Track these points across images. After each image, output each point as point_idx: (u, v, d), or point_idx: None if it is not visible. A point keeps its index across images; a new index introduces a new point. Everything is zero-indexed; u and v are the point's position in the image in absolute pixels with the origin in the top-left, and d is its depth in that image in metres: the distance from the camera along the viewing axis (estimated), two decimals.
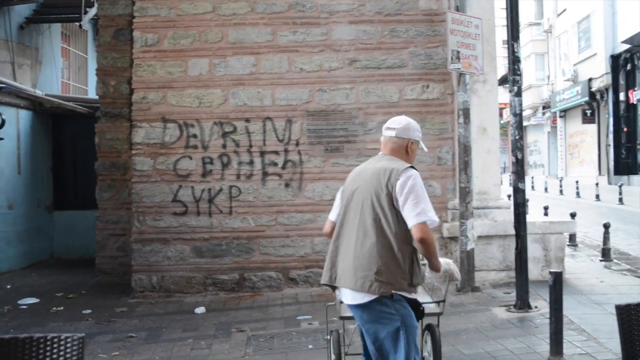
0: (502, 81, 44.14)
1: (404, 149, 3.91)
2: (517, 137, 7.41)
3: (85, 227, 11.78)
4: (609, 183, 27.68)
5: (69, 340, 2.70)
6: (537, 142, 43.67)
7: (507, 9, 7.38)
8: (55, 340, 2.70)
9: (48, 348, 2.68)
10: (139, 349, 6.75)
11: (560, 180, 28.67)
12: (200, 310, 8.28)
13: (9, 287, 10.20)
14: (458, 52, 8.10)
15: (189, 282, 9.10)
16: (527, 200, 14.86)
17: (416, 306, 3.88)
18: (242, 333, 7.18)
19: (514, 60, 7.32)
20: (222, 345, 6.81)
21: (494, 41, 9.17)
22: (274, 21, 9.17)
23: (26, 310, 8.64)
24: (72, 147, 13.10)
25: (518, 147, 7.41)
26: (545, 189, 28.41)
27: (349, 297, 3.69)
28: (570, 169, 35.61)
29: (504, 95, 45.48)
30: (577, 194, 24.08)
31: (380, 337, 3.66)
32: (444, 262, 3.95)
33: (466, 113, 8.38)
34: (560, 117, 36.92)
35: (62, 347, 2.68)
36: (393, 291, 3.61)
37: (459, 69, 8.14)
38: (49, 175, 13.12)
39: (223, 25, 9.17)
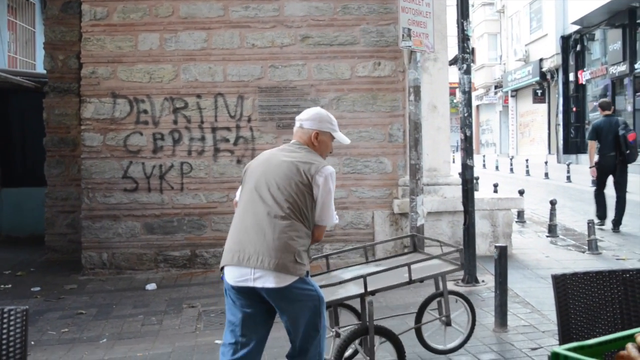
0: (455, 61, 44.56)
1: (310, 140, 4.00)
2: (466, 115, 7.53)
3: (34, 204, 11.57)
4: (558, 162, 28.27)
5: (12, 313, 2.68)
6: (489, 121, 44.28)
7: None
8: None
9: None
10: (89, 326, 6.73)
11: (511, 159, 29.15)
12: (151, 286, 8.26)
13: None
14: (409, 29, 8.13)
15: (140, 258, 9.05)
16: (478, 178, 15.22)
17: None
18: (194, 309, 7.20)
19: (464, 39, 7.42)
20: (173, 320, 6.83)
21: (445, 19, 9.26)
22: None
23: None
24: (20, 122, 12.80)
25: (467, 125, 7.53)
26: (496, 167, 28.85)
27: (269, 280, 3.64)
28: (521, 148, 36.24)
29: (457, 75, 46.03)
30: (527, 172, 24.51)
31: (301, 315, 3.77)
32: None
33: (417, 90, 8.43)
34: (512, 96, 37.49)
35: (5, 320, 2.67)
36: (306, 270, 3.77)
37: (410, 46, 8.17)
38: None
39: (174, 0, 9.06)
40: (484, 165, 31.03)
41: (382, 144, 9.20)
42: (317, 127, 3.98)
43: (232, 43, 9.09)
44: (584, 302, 2.96)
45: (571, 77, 28.92)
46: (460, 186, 7.95)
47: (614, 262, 8.64)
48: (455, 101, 39.89)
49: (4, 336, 2.65)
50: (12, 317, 2.67)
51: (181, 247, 9.10)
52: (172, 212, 9.10)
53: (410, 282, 4.71)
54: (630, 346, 1.77)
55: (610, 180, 10.93)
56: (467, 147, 7.51)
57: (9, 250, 11.16)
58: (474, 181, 9.23)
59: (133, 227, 9.05)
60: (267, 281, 3.62)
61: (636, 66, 23.90)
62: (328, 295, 4.28)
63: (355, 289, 4.55)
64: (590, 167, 11.16)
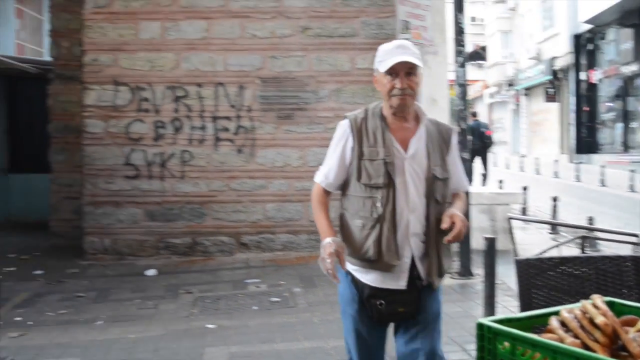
0: (471, 57, 44.38)
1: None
2: (461, 108, 7.59)
3: (41, 190, 11.57)
4: (570, 161, 28.11)
5: None
6: (502, 120, 44.12)
7: None
8: None
9: None
10: (86, 308, 6.86)
11: (521, 157, 29.06)
12: (151, 272, 8.36)
13: None
14: (407, 22, 8.22)
15: (141, 245, 9.16)
16: (485, 174, 15.28)
17: None
18: (190, 294, 7.31)
19: (459, 32, 7.47)
20: (168, 305, 6.94)
21: (445, 13, 9.30)
22: None
23: None
24: (28, 109, 12.90)
25: (462, 118, 7.59)
26: (507, 166, 28.80)
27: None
28: (533, 147, 36.07)
29: (474, 72, 45.89)
30: (537, 170, 24.50)
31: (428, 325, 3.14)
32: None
33: None
34: (524, 95, 37.35)
35: None
36: None
37: (408, 39, 8.25)
38: (4, 138, 12.99)
39: None
40: (494, 163, 30.97)
41: None
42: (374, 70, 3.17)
43: (233, 33, 9.17)
44: (548, 285, 3.02)
45: (583, 76, 28.77)
46: None
47: None
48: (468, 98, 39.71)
49: None
50: None
51: (182, 235, 9.20)
52: (173, 199, 9.20)
53: None
54: (553, 319, 1.83)
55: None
56: (463, 140, 7.56)
57: (16, 235, 11.31)
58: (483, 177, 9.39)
59: (134, 214, 9.17)
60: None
61: None
62: None
63: None
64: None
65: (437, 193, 3.07)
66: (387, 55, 3.01)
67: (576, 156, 27.87)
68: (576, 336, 1.75)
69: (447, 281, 7.53)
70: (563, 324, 1.81)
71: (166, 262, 9.00)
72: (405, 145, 3.08)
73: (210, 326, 6.13)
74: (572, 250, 9.22)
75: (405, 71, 2.99)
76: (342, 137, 3.14)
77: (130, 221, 9.17)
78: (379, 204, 3.00)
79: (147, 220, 9.19)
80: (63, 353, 5.48)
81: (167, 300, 7.13)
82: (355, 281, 3.13)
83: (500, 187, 13.94)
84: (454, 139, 3.24)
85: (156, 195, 9.19)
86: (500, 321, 1.83)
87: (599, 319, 1.74)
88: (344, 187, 3.17)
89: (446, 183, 3.12)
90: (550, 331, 1.86)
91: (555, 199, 10.96)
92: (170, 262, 9.01)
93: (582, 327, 1.76)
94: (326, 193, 3.21)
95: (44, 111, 10.84)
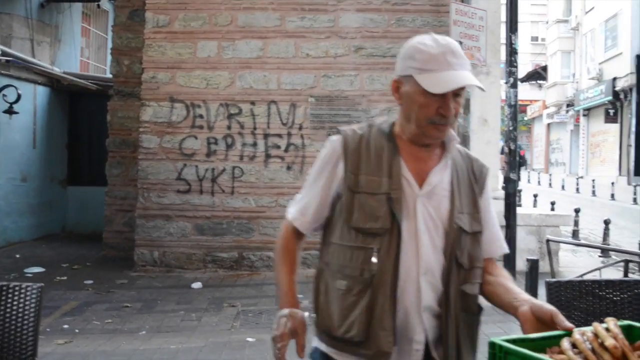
0: (529, 77, 43.83)
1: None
2: (511, 129, 7.53)
3: (97, 202, 11.87)
4: (629, 183, 27.42)
5: (28, 288, 2.89)
6: (560, 140, 43.32)
7: (506, 2, 7.50)
8: (17, 288, 2.90)
9: (10, 295, 2.88)
10: (131, 318, 7.00)
11: (578, 179, 28.50)
12: (197, 285, 8.50)
13: (17, 256, 10.53)
14: (460, 42, 8.17)
15: (189, 258, 9.31)
16: (536, 195, 15.05)
17: None
18: (233, 308, 7.40)
19: (511, 52, 7.44)
20: (211, 318, 7.04)
21: (499, 33, 9.25)
22: (283, 7, 9.31)
23: (31, 278, 8.92)
24: (88, 124, 13.32)
25: (512, 138, 7.54)
26: (562, 187, 28.26)
27: None
28: (591, 168, 35.30)
29: (530, 91, 45.32)
30: (593, 192, 24.01)
31: None
32: None
33: (466, 104, 8.49)
34: (584, 115, 36.59)
35: (22, 295, 2.88)
36: None
37: None
38: (64, 151, 13.40)
39: (233, 9, 9.32)
40: (549, 184, 30.45)
41: None
42: (397, 71, 2.19)
43: (287, 52, 9.30)
44: (579, 307, 2.98)
45: None
46: None
47: None
48: (525, 118, 38.95)
49: (20, 309, 2.86)
50: (28, 292, 2.88)
51: (229, 249, 9.32)
52: (222, 214, 9.33)
53: None
54: (565, 340, 1.83)
55: None
56: (511, 161, 7.50)
57: (70, 246, 11.66)
58: (533, 198, 9.32)
59: (184, 228, 9.33)
60: None
61: None
62: None
63: None
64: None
65: (462, 253, 2.14)
66: (435, 65, 2.05)
67: (635, 178, 27.17)
68: (586, 358, 1.75)
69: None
70: (574, 346, 1.81)
71: (212, 275, 9.13)
72: (421, 179, 2.14)
73: (250, 339, 6.20)
74: (618, 274, 9.06)
75: (455, 92, 2.07)
76: (329, 159, 2.23)
77: (180, 235, 9.33)
78: (374, 259, 2.08)
79: (195, 234, 9.33)
80: None
81: (210, 313, 7.23)
82: None
83: (552, 209, 13.70)
84: (489, 181, 2.32)
85: (206, 209, 9.34)
86: (513, 341, 1.83)
87: (609, 342, 1.74)
88: (325, 230, 2.27)
89: (477, 240, 2.19)
90: (562, 352, 1.85)
91: (606, 222, 10.75)
92: (217, 275, 9.13)
93: (592, 349, 1.76)
94: (298, 236, 2.34)
95: (103, 126, 11.16)
